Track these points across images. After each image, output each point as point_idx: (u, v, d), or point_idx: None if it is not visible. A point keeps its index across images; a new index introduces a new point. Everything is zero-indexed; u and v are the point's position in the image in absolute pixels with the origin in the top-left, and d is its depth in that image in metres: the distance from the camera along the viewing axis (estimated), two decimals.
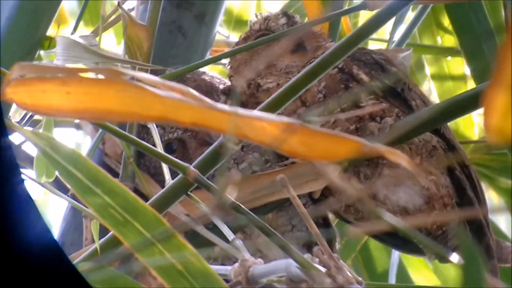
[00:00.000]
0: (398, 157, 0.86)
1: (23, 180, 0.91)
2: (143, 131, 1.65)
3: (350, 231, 1.71)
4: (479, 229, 1.63)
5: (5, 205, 0.88)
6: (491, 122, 0.79)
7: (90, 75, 0.78)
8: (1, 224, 0.89)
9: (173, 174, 1.30)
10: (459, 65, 2.27)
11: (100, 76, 0.77)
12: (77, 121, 1.99)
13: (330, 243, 1.66)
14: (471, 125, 2.26)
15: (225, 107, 0.82)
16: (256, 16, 1.72)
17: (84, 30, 2.29)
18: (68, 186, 0.86)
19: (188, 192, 1.21)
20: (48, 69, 0.76)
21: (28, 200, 0.89)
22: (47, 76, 0.75)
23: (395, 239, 1.67)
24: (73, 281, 0.89)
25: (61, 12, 2.12)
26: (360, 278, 0.96)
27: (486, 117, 0.80)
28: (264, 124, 0.83)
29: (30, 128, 1.58)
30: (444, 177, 1.63)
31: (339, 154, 0.85)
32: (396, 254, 2.10)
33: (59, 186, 1.56)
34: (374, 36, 2.32)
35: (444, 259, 1.66)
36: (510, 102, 0.79)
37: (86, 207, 1.28)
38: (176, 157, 1.20)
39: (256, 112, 0.84)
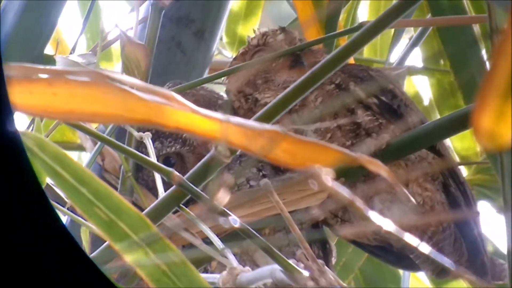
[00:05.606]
0: (378, 167, 0.87)
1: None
2: (142, 145, 1.66)
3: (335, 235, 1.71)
4: (474, 246, 1.64)
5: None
6: (481, 127, 0.80)
7: (77, 77, 0.80)
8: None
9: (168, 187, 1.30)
10: None
11: (86, 79, 0.80)
12: (79, 141, 2.00)
13: (326, 255, 1.67)
14: (473, 147, 2.26)
15: (210, 112, 0.84)
16: (254, 31, 1.74)
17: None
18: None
19: (181, 204, 1.21)
20: (35, 70, 0.79)
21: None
22: (35, 77, 0.78)
23: (389, 254, 1.68)
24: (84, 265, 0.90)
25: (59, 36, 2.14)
26: (345, 284, 0.98)
27: (476, 122, 0.80)
28: (247, 131, 0.84)
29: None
30: (440, 193, 1.64)
31: (320, 162, 0.86)
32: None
33: (57, 200, 1.58)
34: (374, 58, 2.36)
35: (440, 275, 1.66)
36: (501, 106, 0.80)
37: (85, 219, 1.29)
38: None
39: (240, 119, 0.86)
